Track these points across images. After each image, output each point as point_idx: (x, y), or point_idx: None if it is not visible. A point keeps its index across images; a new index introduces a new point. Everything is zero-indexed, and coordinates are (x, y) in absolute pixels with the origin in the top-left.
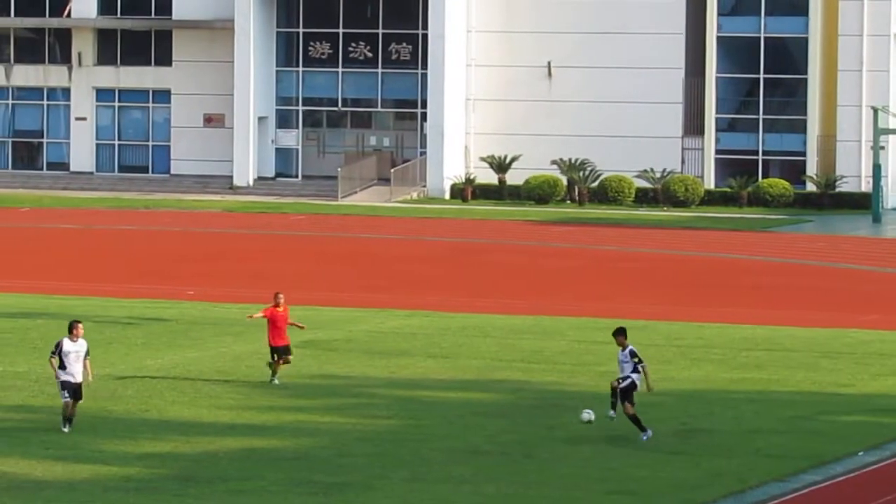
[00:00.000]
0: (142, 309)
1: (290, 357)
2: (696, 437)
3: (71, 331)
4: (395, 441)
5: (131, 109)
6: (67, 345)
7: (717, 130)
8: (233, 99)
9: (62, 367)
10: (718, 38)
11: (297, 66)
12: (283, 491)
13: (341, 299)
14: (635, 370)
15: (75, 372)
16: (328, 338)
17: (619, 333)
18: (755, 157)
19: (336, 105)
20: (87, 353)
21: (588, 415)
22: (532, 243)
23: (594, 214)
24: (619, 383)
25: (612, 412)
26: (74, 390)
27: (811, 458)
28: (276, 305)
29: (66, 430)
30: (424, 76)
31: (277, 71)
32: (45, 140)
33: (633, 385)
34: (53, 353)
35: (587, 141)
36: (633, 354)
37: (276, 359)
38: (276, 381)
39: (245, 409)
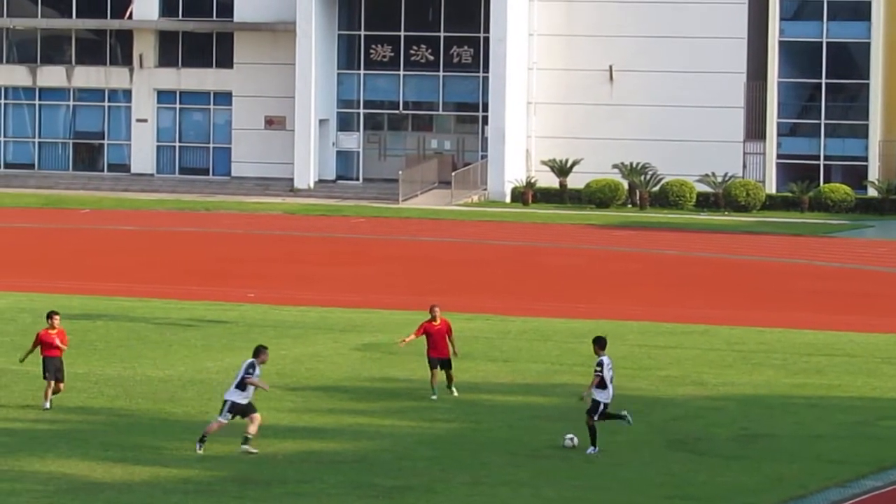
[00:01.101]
0: (202, 311)
1: (451, 371)
2: (757, 442)
3: (258, 355)
4: (456, 444)
5: (192, 111)
6: (258, 369)
7: (779, 135)
8: (294, 101)
9: (241, 386)
10: (780, 42)
11: (359, 68)
12: (342, 494)
13: (401, 302)
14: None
15: (249, 394)
16: (389, 341)
17: (596, 343)
18: (817, 162)
19: (397, 108)
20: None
21: (570, 441)
22: (593, 247)
23: (655, 218)
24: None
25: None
26: (242, 411)
27: (872, 464)
28: (432, 319)
29: (200, 451)
30: (486, 79)
31: (339, 73)
32: (105, 142)
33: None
34: (249, 373)
35: (648, 145)
36: (598, 364)
37: (435, 370)
38: (435, 397)
39: (305, 412)
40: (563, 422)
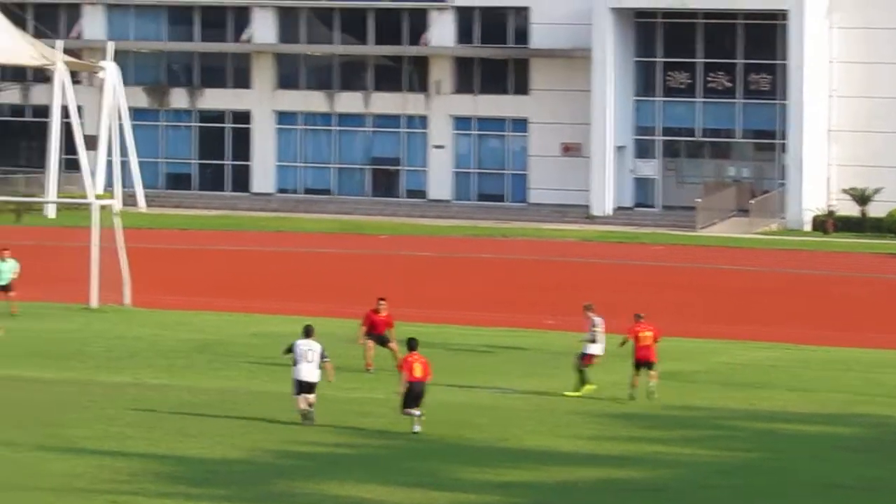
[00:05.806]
0: (500, 337)
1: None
2: None
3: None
4: (756, 474)
5: (489, 138)
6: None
7: None
8: (590, 128)
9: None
10: None
11: (656, 95)
12: None
13: (700, 330)
14: None
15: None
16: (688, 369)
17: None
18: None
19: (694, 135)
20: None
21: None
22: (894, 277)
23: None
24: None
25: None
26: None
27: None
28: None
29: None
30: (784, 107)
31: (635, 100)
32: (402, 167)
33: None
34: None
35: None
36: None
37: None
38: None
39: (604, 440)
40: (866, 453)
